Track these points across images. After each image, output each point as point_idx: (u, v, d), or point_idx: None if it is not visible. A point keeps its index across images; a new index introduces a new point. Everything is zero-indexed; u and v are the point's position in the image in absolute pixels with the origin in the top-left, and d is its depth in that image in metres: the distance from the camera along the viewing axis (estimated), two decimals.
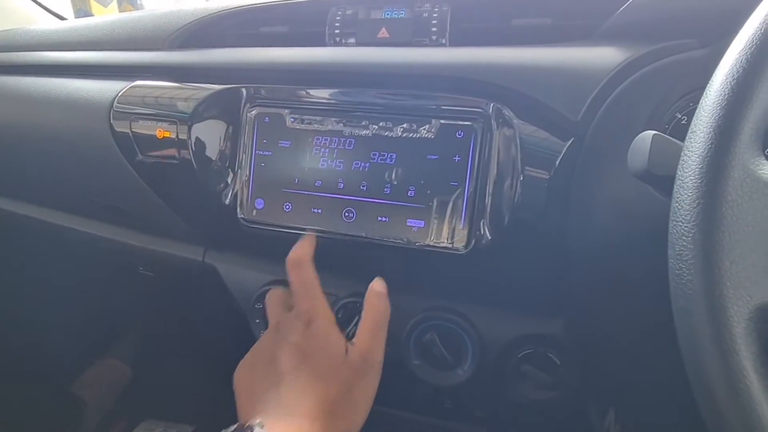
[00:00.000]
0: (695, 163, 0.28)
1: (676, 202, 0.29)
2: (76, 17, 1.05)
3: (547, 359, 0.54)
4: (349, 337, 0.58)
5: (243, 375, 0.48)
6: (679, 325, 0.28)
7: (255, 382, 0.47)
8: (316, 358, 0.46)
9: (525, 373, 0.55)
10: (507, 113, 0.46)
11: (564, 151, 0.45)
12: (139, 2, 1.21)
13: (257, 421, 0.41)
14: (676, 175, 0.29)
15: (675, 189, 0.29)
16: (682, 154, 0.29)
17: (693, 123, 0.29)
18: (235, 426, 0.42)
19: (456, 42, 0.56)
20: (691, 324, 0.27)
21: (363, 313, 0.50)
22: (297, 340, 0.47)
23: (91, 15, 1.05)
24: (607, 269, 0.49)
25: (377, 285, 0.50)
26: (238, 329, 0.66)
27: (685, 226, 0.27)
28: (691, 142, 0.29)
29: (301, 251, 0.48)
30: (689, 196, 0.27)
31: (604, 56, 0.46)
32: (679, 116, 0.46)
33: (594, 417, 0.96)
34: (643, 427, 0.87)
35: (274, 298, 0.53)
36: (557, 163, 0.46)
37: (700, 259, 0.27)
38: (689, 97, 0.45)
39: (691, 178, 0.28)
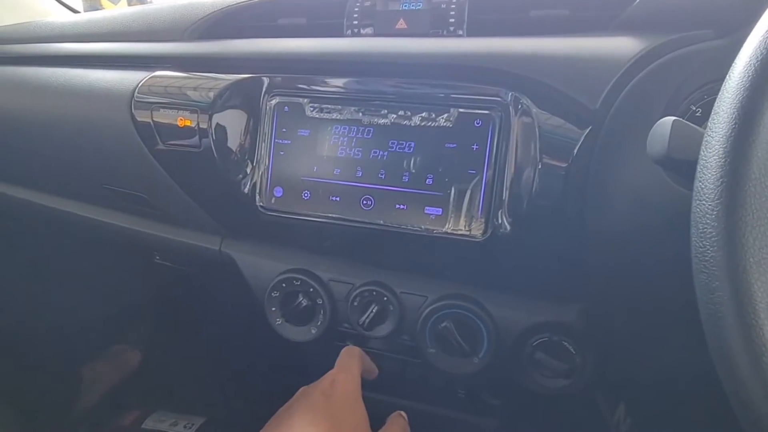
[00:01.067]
0: (719, 143, 0.28)
1: (700, 181, 0.29)
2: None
3: (561, 347, 0.55)
4: (363, 327, 0.59)
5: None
6: (702, 301, 0.29)
7: None
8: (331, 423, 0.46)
9: (539, 361, 0.55)
10: (525, 102, 0.47)
11: (582, 140, 0.46)
12: (149, 0, 1.23)
13: None
14: (699, 156, 0.30)
15: (698, 169, 0.30)
16: (705, 134, 0.30)
17: (716, 105, 0.30)
18: None
19: (473, 33, 0.57)
20: (714, 300, 0.28)
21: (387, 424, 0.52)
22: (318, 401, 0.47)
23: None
24: (624, 257, 0.49)
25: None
26: (252, 318, 0.67)
27: (709, 205, 0.28)
28: (714, 123, 0.29)
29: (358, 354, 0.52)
30: (713, 175, 0.28)
31: (622, 46, 0.47)
32: (694, 108, 0.46)
33: (604, 411, 0.96)
34: (654, 420, 0.88)
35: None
36: (575, 151, 0.46)
37: (723, 236, 0.27)
38: (704, 89, 0.46)
39: (714, 157, 0.28)
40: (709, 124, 0.30)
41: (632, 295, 0.53)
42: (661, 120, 0.36)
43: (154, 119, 0.59)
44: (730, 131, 0.28)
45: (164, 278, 0.87)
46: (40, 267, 0.91)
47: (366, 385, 0.67)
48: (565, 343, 0.55)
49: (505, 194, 0.49)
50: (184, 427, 1.03)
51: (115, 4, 1.24)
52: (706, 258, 0.28)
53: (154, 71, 0.61)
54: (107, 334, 1.03)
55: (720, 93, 0.30)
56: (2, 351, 0.83)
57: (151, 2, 1.22)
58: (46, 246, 0.89)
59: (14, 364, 0.88)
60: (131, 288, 0.95)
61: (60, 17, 0.80)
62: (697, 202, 0.29)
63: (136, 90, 0.60)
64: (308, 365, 0.78)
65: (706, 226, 0.28)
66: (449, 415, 0.75)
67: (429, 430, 0.75)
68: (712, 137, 0.29)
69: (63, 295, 0.92)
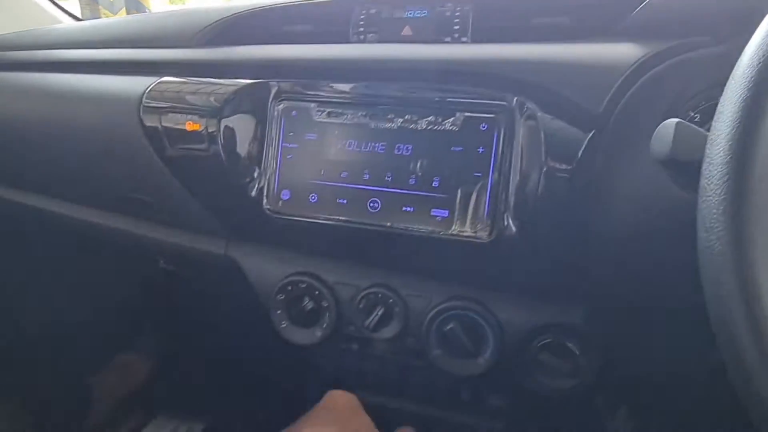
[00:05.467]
0: (724, 141, 0.29)
1: (705, 179, 0.30)
2: None
3: (565, 348, 0.55)
4: (369, 329, 0.59)
5: None
6: (709, 295, 0.30)
7: None
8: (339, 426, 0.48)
9: (544, 362, 0.56)
10: (530, 106, 0.48)
11: (586, 143, 0.47)
12: (147, 11, 1.24)
13: None
14: (705, 155, 0.31)
15: (704, 167, 0.31)
16: (710, 134, 0.31)
17: (720, 105, 0.31)
18: None
19: (478, 40, 0.58)
20: (721, 293, 0.28)
21: None
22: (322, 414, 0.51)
23: None
24: (628, 260, 0.50)
25: None
26: (256, 323, 0.67)
27: (715, 200, 0.29)
28: (718, 123, 0.30)
29: None
30: (718, 171, 0.29)
31: (623, 52, 0.48)
32: (692, 114, 0.47)
33: (604, 414, 0.97)
34: (656, 425, 0.88)
35: None
36: (579, 154, 0.47)
37: (730, 230, 0.28)
38: (703, 95, 0.47)
39: (720, 155, 0.29)
40: (713, 123, 0.31)
41: (635, 298, 0.54)
42: (664, 122, 0.37)
43: (163, 124, 0.59)
44: (734, 129, 0.29)
45: (167, 284, 0.87)
46: (43, 273, 0.91)
47: (370, 389, 0.68)
48: (569, 345, 0.55)
49: (511, 197, 0.50)
50: None
51: (114, 14, 1.25)
52: (713, 252, 0.29)
53: (162, 77, 0.62)
54: (110, 339, 1.02)
55: (723, 93, 0.31)
56: (7, 356, 0.82)
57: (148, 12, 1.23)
58: (50, 252, 0.89)
59: (15, 371, 0.87)
60: (133, 294, 0.95)
61: (68, 24, 0.81)
62: (704, 198, 0.30)
63: (145, 95, 0.61)
64: (311, 371, 0.78)
65: (712, 221, 0.29)
66: (453, 419, 0.75)
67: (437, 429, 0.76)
68: (717, 135, 0.30)
69: (65, 301, 0.92)
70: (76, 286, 0.90)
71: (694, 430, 0.80)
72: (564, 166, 0.48)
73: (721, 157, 0.29)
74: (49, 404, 0.84)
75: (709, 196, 0.30)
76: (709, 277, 0.29)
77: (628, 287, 0.52)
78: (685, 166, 0.35)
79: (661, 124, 0.37)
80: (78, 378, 0.96)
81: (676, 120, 0.36)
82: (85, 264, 0.87)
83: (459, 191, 0.51)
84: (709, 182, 0.30)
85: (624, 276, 0.52)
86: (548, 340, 0.56)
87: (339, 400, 0.54)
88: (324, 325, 0.62)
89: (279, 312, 0.63)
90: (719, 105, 0.31)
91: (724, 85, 0.31)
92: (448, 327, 0.57)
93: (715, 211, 0.29)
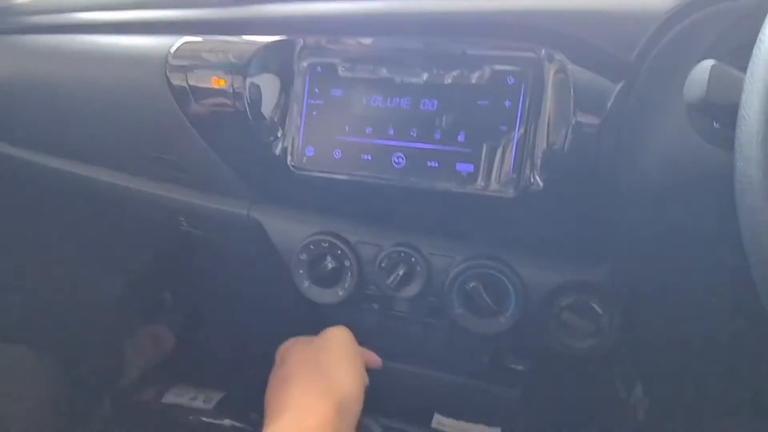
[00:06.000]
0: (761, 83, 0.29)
1: (744, 109, 0.30)
2: None
3: (588, 308, 0.55)
4: (391, 288, 0.60)
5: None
6: (744, 224, 0.29)
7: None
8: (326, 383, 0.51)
9: (566, 321, 0.56)
10: (559, 57, 0.48)
11: (615, 94, 0.46)
12: None
13: None
14: (744, 87, 0.30)
15: (743, 97, 0.30)
16: (747, 77, 0.30)
17: (755, 49, 0.31)
18: None
19: None
20: (758, 220, 0.28)
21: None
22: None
23: None
24: (656, 216, 0.50)
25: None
26: (278, 285, 0.68)
27: (755, 128, 0.29)
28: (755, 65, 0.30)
29: None
30: (757, 100, 0.29)
31: (658, 1, 0.47)
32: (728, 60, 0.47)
33: (621, 392, 0.96)
34: (670, 400, 0.88)
35: None
36: (608, 106, 0.47)
37: None
38: (739, 43, 0.46)
39: (756, 96, 0.29)
40: (750, 66, 0.31)
41: (662, 256, 0.53)
42: (699, 64, 0.36)
43: (189, 82, 0.60)
44: None
45: (188, 249, 0.88)
46: (65, 238, 0.93)
47: (388, 354, 0.68)
48: (593, 304, 0.55)
49: (537, 151, 0.50)
50: (203, 401, 1.04)
51: None
52: (751, 181, 0.29)
53: (187, 36, 0.62)
54: (129, 306, 1.04)
55: (760, 36, 0.31)
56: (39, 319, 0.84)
57: None
58: (72, 217, 0.91)
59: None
60: (156, 262, 0.96)
61: None
62: (741, 128, 0.30)
63: (171, 54, 0.61)
64: None
65: (750, 150, 0.29)
66: (471, 385, 0.75)
67: (450, 400, 0.76)
68: (754, 79, 0.30)
69: (86, 263, 0.93)
70: (96, 248, 0.91)
71: (709, 407, 0.79)
72: (592, 120, 0.47)
73: (756, 97, 0.29)
74: (82, 365, 0.85)
75: (748, 125, 0.29)
76: (746, 206, 0.29)
77: (654, 245, 0.52)
78: (720, 110, 0.35)
79: (696, 66, 0.36)
80: (93, 346, 0.98)
81: (712, 62, 0.35)
82: (106, 226, 0.89)
83: (484, 146, 0.51)
84: (748, 113, 0.29)
85: (650, 233, 0.51)
86: (572, 299, 0.56)
87: (334, 331, 0.59)
88: (346, 285, 0.62)
89: (301, 272, 0.64)
90: (755, 49, 0.31)
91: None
92: (471, 285, 0.57)
93: (754, 139, 0.29)
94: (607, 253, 0.54)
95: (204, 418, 1.01)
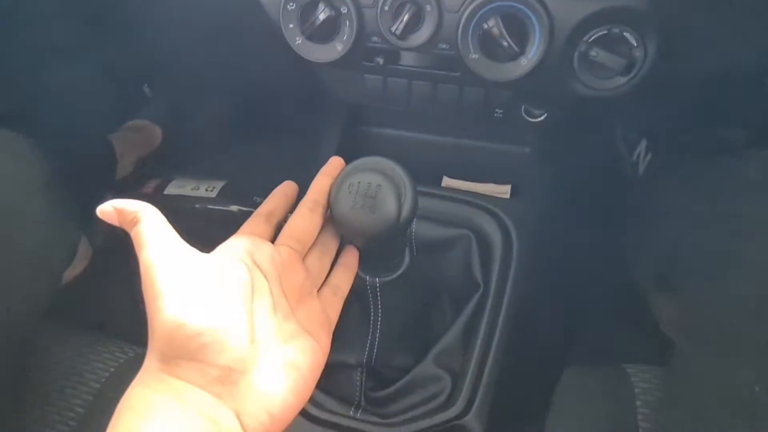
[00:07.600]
0: None
1: None
2: None
3: (621, 40, 0.49)
4: (396, 35, 0.52)
5: None
6: None
7: None
8: None
9: (595, 60, 0.50)
10: None
11: None
12: None
13: None
14: None
15: None
16: None
17: None
18: None
19: None
20: None
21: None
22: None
23: None
24: None
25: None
26: (267, 47, 0.60)
27: None
28: None
29: None
30: None
31: None
32: None
33: (623, 150, 0.96)
34: (672, 156, 0.88)
35: None
36: None
37: None
38: None
39: None
40: None
41: None
42: None
43: None
44: None
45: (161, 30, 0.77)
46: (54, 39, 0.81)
47: (393, 119, 0.63)
48: (626, 34, 0.49)
49: None
50: (206, 190, 1.04)
51: None
52: None
53: None
54: (118, 103, 0.97)
55: None
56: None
57: None
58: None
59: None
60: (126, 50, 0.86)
61: None
62: None
63: None
64: (331, 101, 0.73)
65: None
66: (480, 146, 0.73)
67: (460, 162, 0.75)
68: None
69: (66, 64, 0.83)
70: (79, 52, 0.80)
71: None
72: None
73: None
74: (76, 154, 0.81)
75: None
76: None
77: None
78: None
79: None
80: (97, 134, 0.93)
81: None
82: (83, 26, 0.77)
83: None
84: None
85: None
86: (603, 33, 0.49)
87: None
88: (344, 37, 0.54)
89: (291, 26, 0.55)
90: None
91: None
92: (489, 24, 0.49)
93: None
94: None
95: (210, 206, 1.02)
